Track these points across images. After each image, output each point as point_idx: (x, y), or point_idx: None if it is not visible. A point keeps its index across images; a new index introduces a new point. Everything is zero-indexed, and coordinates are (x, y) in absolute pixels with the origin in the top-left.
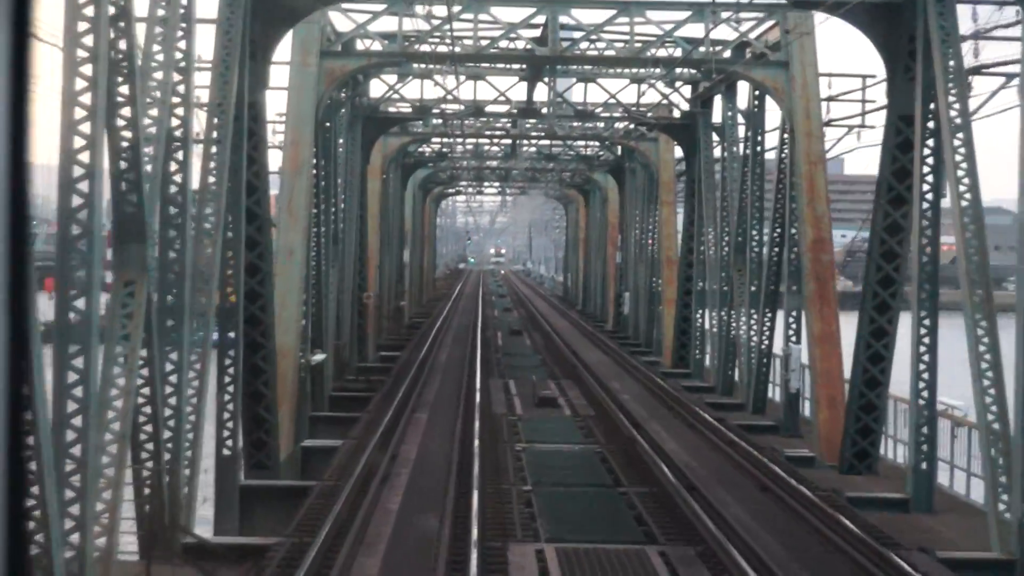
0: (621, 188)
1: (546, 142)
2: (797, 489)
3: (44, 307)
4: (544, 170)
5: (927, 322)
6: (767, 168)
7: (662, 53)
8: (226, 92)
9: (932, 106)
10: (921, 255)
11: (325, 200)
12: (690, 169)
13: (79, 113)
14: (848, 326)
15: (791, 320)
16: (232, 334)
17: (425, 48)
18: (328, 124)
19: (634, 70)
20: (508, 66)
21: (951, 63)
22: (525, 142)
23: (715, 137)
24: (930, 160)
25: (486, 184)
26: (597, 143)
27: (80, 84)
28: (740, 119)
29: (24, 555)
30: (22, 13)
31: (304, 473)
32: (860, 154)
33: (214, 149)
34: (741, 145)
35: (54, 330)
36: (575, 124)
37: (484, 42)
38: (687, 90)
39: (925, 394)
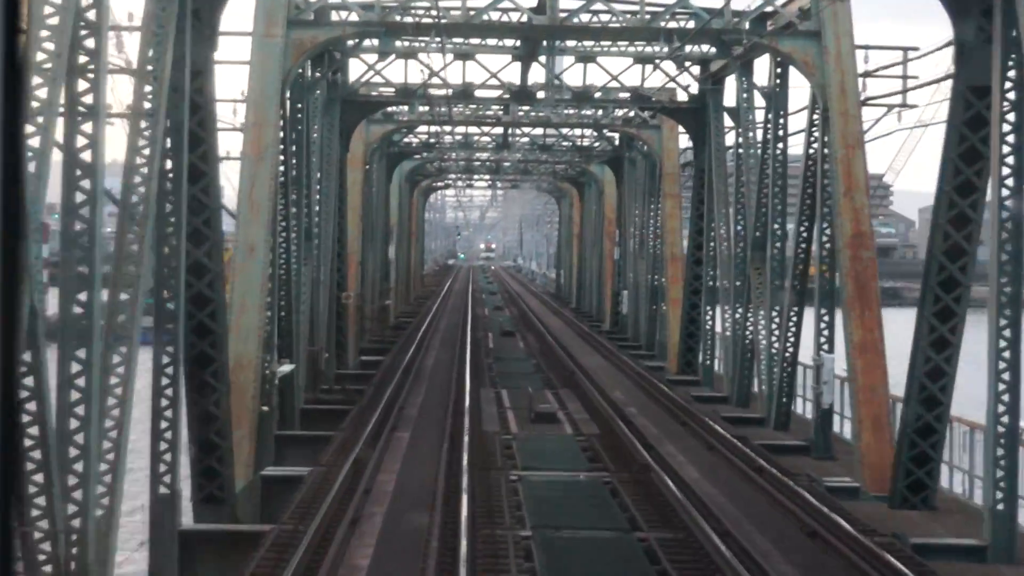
0: (619, 180)
1: (540, 131)
2: (851, 534)
3: None
4: (537, 162)
5: (1008, 333)
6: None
7: (673, 25)
8: (160, 55)
9: (1012, 74)
10: (1000, 252)
11: (297, 191)
12: (699, 157)
13: None
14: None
15: (823, 326)
16: (171, 348)
17: (408, 20)
18: (300, 106)
19: (639, 48)
20: (500, 42)
21: None
22: (518, 131)
23: (727, 123)
24: (1011, 139)
25: (476, 177)
26: (594, 133)
27: None
28: (758, 101)
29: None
30: (12, 11)
31: (265, 506)
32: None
33: (144, 123)
34: (759, 131)
35: None
36: (571, 112)
37: (473, 13)
38: (694, 75)
39: (1005, 419)
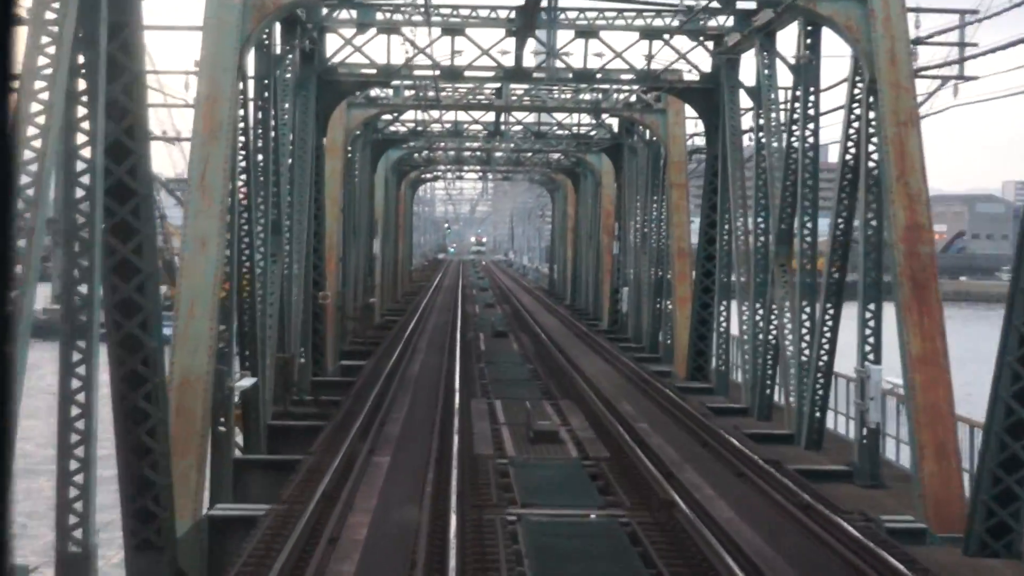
0: (618, 170)
1: (534, 119)
2: None
3: None
4: (531, 151)
5: None
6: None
7: None
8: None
9: None
10: None
11: (265, 178)
12: (711, 142)
13: None
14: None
15: (868, 333)
16: (83, 369)
17: None
18: (267, 82)
19: (647, 20)
20: (493, 13)
21: None
22: (511, 118)
23: (743, 104)
24: None
25: (466, 168)
26: (591, 120)
27: None
28: (781, 78)
29: None
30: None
31: (213, 552)
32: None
33: (38, 84)
34: (783, 111)
35: None
36: (568, 96)
37: None
38: (709, 50)
39: None
